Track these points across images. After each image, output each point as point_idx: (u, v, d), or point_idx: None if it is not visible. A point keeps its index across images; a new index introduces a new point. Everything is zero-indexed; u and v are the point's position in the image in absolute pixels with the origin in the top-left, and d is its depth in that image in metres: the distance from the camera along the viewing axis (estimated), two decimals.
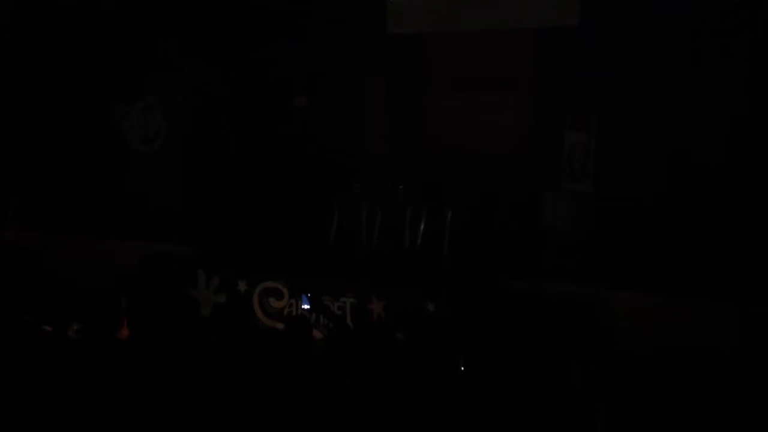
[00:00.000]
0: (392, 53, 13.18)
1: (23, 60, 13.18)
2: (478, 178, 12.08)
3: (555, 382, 3.58)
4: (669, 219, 11.50)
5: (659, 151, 11.61)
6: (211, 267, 9.08)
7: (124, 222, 11.89)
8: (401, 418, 3.58)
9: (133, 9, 12.74)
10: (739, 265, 9.25)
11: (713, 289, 8.20)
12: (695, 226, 11.27)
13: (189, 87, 13.07)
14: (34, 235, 10.68)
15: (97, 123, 12.98)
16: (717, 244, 10.50)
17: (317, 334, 8.17)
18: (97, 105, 12.84)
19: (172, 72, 12.84)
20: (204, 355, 3.99)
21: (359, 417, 3.75)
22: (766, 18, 10.81)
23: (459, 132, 13.29)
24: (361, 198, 10.88)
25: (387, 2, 13.28)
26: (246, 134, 15.11)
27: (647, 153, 11.63)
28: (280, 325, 8.16)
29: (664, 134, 11.57)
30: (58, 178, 12.73)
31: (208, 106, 14.00)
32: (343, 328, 8.26)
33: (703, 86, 11.21)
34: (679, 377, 2.50)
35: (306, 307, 8.46)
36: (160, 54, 12.77)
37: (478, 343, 5.76)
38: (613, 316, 7.95)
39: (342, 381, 4.31)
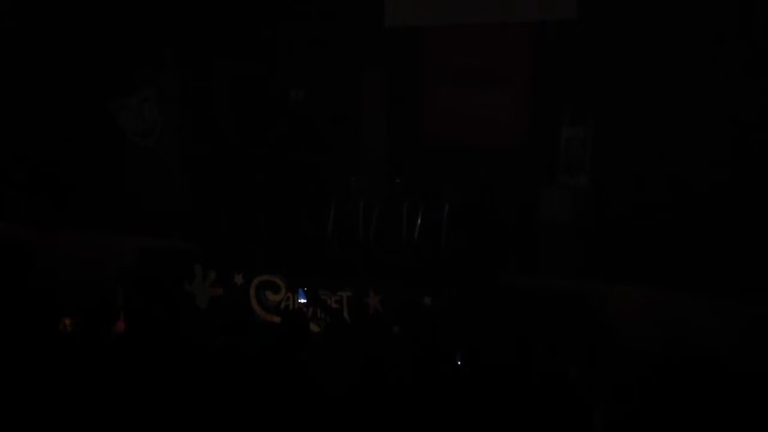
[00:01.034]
0: (389, 47, 13.16)
1: (19, 53, 13.13)
2: (475, 172, 12.07)
3: (552, 379, 3.57)
4: (668, 214, 11.51)
5: (658, 145, 11.61)
6: (207, 261, 9.06)
7: (120, 216, 11.87)
8: (398, 412, 3.58)
9: (130, 1, 12.70)
10: (741, 261, 9.25)
11: (714, 286, 8.19)
12: (695, 222, 11.28)
13: (186, 80, 13.03)
14: (31, 230, 10.65)
15: (94, 117, 12.94)
16: (718, 240, 10.51)
17: (314, 327, 8.16)
18: (94, 98, 12.80)
19: (169, 65, 12.79)
20: (199, 348, 3.98)
21: (356, 410, 3.74)
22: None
23: (456, 126, 13.27)
24: (358, 192, 10.88)
25: None
26: (243, 128, 15.09)
27: (646, 148, 11.63)
28: (277, 319, 8.14)
29: (663, 129, 11.57)
30: (54, 172, 12.70)
31: (206, 99, 13.98)
32: (339, 322, 8.25)
33: (703, 80, 11.20)
34: (678, 376, 2.49)
35: (302, 300, 8.44)
36: (157, 47, 12.73)
37: (475, 338, 5.76)
38: (612, 313, 7.94)
39: (339, 374, 4.30)
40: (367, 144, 12.80)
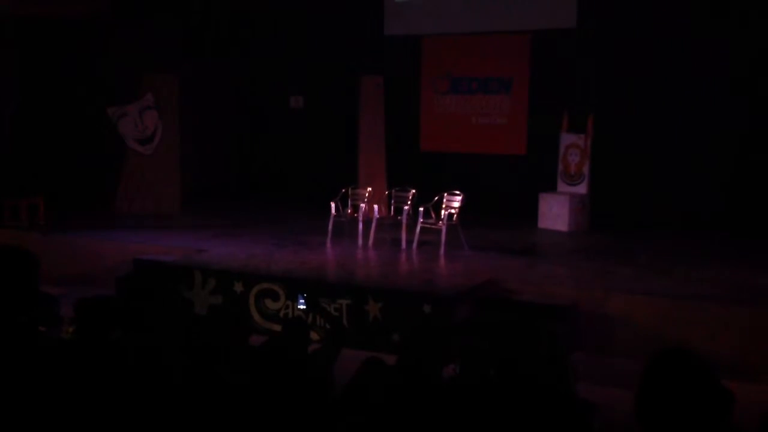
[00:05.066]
0: (389, 54, 13.21)
1: (22, 61, 13.16)
2: (474, 178, 12.11)
3: (551, 386, 3.57)
4: (665, 220, 11.54)
5: (656, 154, 11.65)
6: (207, 268, 9.06)
7: (121, 222, 11.89)
8: (396, 419, 3.58)
9: (131, 10, 12.74)
10: (737, 264, 9.30)
11: (711, 290, 8.21)
12: (692, 226, 11.30)
13: (186, 87, 13.07)
14: (31, 236, 10.66)
15: (94, 124, 12.98)
16: (714, 246, 10.55)
17: (314, 335, 8.15)
18: (94, 106, 12.83)
19: (170, 73, 12.83)
20: (200, 355, 3.98)
21: (355, 418, 3.75)
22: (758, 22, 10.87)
23: (455, 132, 13.34)
24: (356, 198, 10.90)
25: (385, 4, 13.33)
26: (242, 135, 15.14)
27: (644, 156, 11.66)
28: (277, 327, 8.14)
29: (661, 137, 11.61)
30: (55, 179, 12.72)
31: (205, 106, 14.01)
32: (339, 330, 8.23)
33: (699, 88, 11.26)
34: (676, 380, 2.49)
35: (302, 306, 8.42)
36: (158, 55, 12.76)
37: (474, 345, 5.76)
38: (610, 319, 7.95)
39: (338, 382, 4.30)
40: (367, 150, 12.83)
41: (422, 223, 10.22)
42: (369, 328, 8.13)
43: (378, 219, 10.58)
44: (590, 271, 9.18)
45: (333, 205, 10.74)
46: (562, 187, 11.99)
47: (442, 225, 10.08)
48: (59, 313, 5.07)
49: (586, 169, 11.75)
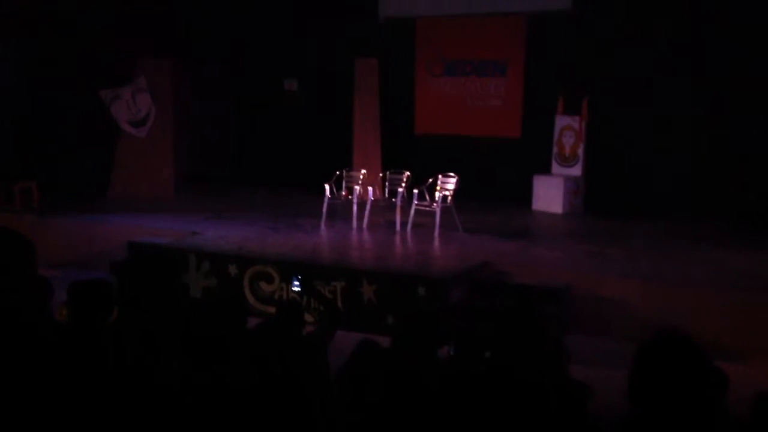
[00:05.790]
0: (384, 36, 13.16)
1: (20, 47, 13.07)
2: (468, 160, 12.10)
3: (545, 368, 3.58)
4: (660, 202, 11.55)
5: (652, 136, 11.64)
6: (201, 251, 9.06)
7: (114, 205, 11.87)
8: (390, 402, 3.59)
9: None
10: (731, 248, 9.32)
11: (704, 274, 8.23)
12: (686, 210, 11.32)
13: (179, 71, 13.02)
14: (25, 219, 10.63)
15: (89, 107, 12.92)
16: (708, 228, 10.57)
17: (308, 317, 8.16)
18: (88, 90, 12.77)
19: (164, 57, 12.77)
20: (196, 338, 3.98)
21: (349, 401, 3.75)
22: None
23: (450, 115, 13.30)
24: (351, 181, 10.89)
25: None
26: (237, 118, 15.08)
27: (640, 138, 11.65)
28: (271, 309, 8.15)
29: (655, 118, 11.60)
30: (49, 162, 12.68)
31: (199, 89, 13.95)
32: (333, 312, 8.25)
33: (695, 71, 11.23)
34: (669, 361, 2.50)
35: (296, 289, 8.43)
36: (152, 39, 12.70)
37: (469, 327, 5.77)
38: (603, 301, 7.97)
39: (333, 364, 4.31)
40: (361, 133, 12.81)
41: (417, 205, 10.22)
42: (363, 311, 8.15)
43: (372, 201, 10.59)
44: (584, 253, 9.20)
45: (327, 187, 10.73)
46: (556, 169, 11.99)
47: (436, 207, 10.08)
48: (53, 296, 5.06)
49: (580, 152, 11.76)
